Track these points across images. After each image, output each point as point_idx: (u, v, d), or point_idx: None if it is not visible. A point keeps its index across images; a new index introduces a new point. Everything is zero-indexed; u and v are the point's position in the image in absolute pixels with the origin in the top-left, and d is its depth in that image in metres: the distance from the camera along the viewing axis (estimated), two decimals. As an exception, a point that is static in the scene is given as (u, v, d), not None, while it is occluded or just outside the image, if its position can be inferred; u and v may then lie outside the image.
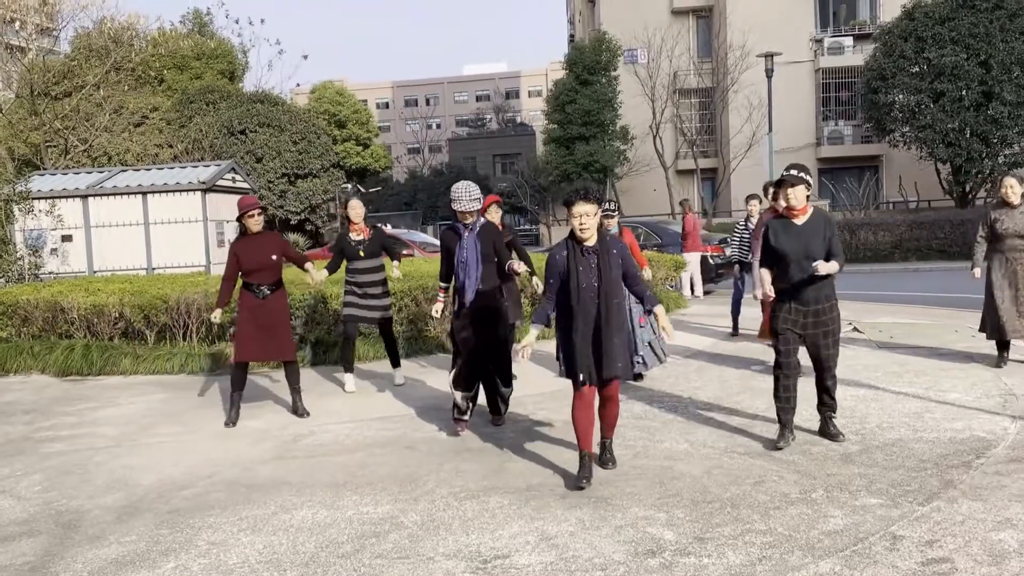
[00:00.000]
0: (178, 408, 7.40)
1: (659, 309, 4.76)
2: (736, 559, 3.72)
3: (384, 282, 7.68)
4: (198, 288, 9.63)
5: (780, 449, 5.25)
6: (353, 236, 7.56)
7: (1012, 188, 7.25)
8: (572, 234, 4.73)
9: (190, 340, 9.50)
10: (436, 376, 8.16)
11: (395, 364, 7.93)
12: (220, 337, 9.36)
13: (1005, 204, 7.33)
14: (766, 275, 5.37)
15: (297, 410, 6.89)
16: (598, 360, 4.66)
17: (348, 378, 7.77)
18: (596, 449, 5.04)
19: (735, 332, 10.06)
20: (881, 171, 33.55)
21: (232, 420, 6.69)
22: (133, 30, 26.99)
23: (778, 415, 5.37)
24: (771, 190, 8.12)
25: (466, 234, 5.92)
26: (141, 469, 5.58)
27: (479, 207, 5.93)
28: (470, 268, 5.88)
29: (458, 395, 5.94)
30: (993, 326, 7.43)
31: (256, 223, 6.67)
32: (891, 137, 27.29)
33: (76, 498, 5.05)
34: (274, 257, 6.67)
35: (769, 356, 8.29)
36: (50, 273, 14.35)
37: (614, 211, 7.56)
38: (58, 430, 6.85)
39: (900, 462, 4.93)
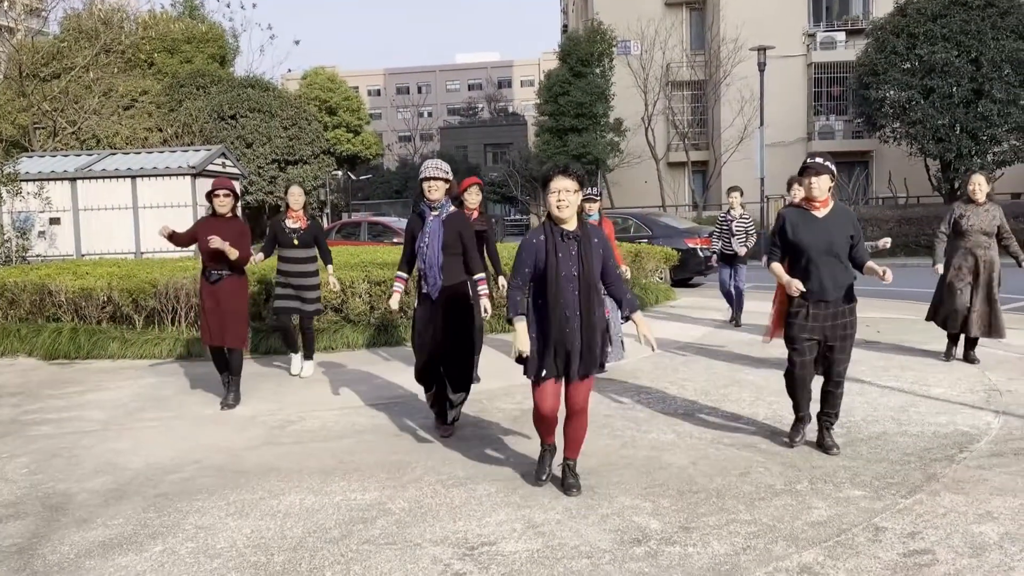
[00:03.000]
0: (166, 393, 7.39)
1: (638, 316, 4.40)
2: (721, 548, 3.76)
3: (316, 274, 7.55)
4: (187, 273, 9.60)
5: (794, 445, 5.12)
6: (289, 223, 7.38)
7: (979, 186, 7.42)
8: (549, 216, 4.28)
9: (178, 325, 9.47)
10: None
11: (308, 357, 7.85)
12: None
13: (971, 201, 7.49)
14: (780, 268, 5.06)
15: (227, 399, 6.73)
16: (574, 355, 4.28)
17: (295, 359, 7.74)
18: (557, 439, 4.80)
19: (737, 322, 10.13)
20: (871, 167, 33.63)
21: (228, 403, 6.67)
22: (123, 12, 26.80)
23: (796, 408, 5.21)
24: (795, 185, 8.04)
25: (431, 218, 5.42)
26: (129, 453, 5.58)
27: (446, 178, 5.39)
28: (431, 258, 5.40)
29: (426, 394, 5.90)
30: (945, 316, 7.72)
31: (222, 204, 6.52)
32: (882, 133, 27.37)
33: (63, 481, 5.04)
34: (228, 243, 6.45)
35: (759, 350, 8.36)
36: (38, 256, 14.29)
37: (597, 195, 7.56)
38: (45, 413, 6.82)
39: (884, 455, 4.98)
